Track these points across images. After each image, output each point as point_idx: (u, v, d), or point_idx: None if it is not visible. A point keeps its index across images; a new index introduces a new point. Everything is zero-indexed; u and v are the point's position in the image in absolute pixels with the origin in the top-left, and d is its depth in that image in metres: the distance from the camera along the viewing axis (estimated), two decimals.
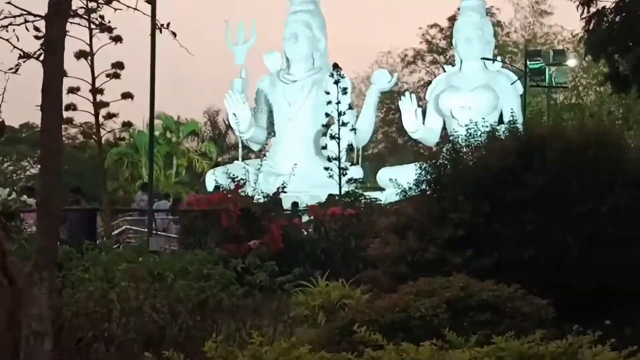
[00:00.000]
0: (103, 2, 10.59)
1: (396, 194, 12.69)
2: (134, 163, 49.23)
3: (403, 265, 10.85)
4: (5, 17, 6.47)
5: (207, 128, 54.76)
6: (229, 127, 51.48)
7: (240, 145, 36.52)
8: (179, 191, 48.36)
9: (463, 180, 10.27)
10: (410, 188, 11.16)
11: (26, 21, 6.56)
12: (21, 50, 6.81)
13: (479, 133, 11.10)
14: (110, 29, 14.47)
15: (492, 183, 10.14)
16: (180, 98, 69.23)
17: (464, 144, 10.90)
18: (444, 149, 11.69)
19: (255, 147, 37.57)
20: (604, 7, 18.80)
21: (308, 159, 33.74)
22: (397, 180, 12.55)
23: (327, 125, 20.22)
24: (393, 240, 11.64)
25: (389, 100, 52.32)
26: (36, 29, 7.04)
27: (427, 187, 10.78)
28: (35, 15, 6.43)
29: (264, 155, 37.31)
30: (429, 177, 10.69)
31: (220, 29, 35.82)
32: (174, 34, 7.38)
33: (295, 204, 25.69)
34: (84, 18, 12.50)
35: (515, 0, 54.25)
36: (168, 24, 7.57)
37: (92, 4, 13.20)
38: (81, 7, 12.72)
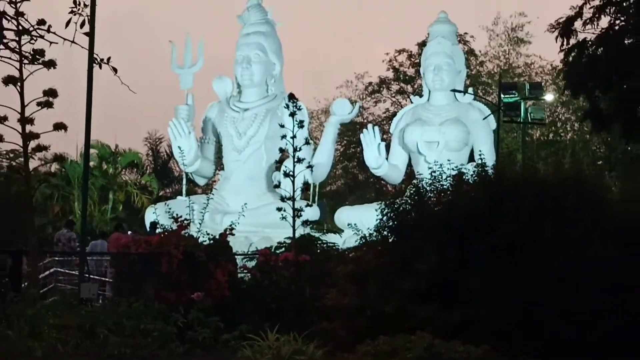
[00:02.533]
0: (37, 35, 10.61)
1: (355, 241, 12.74)
2: (65, 196, 48.87)
3: (362, 318, 10.90)
4: None
5: (148, 158, 54.52)
6: (171, 157, 51.34)
7: (184, 178, 36.32)
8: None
9: (428, 227, 10.34)
10: (370, 234, 11.20)
11: None
12: None
13: (444, 176, 11.19)
14: (42, 60, 14.42)
15: (459, 230, 10.22)
16: (119, 125, 69.02)
17: (428, 187, 10.98)
18: (407, 191, 11.74)
19: (201, 182, 37.38)
20: (584, 39, 19.17)
21: (259, 196, 33.66)
22: (357, 224, 12.58)
23: (280, 161, 20.25)
24: (351, 290, 11.71)
25: (350, 133, 52.48)
26: None
27: (389, 234, 10.84)
28: None
29: (211, 190, 37.15)
30: (390, 223, 10.75)
31: (165, 49, 35.61)
32: (115, 70, 7.43)
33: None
34: (15, 52, 12.51)
35: (490, 26, 54.69)
36: (109, 59, 7.62)
37: (25, 36, 13.19)
38: (12, 40, 12.72)
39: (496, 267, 9.87)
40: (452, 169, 11.48)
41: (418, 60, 49.21)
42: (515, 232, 9.92)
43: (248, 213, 26.14)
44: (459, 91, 34.98)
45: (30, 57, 13.13)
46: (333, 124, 35.48)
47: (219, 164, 36.69)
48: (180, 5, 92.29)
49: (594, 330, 9.47)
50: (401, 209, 10.83)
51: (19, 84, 15.64)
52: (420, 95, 36.40)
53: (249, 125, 35.07)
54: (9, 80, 15.56)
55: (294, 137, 16.73)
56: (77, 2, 12.37)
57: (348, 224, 13.49)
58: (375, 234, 11.14)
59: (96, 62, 8.31)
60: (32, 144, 16.02)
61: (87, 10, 12.92)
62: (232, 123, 35.29)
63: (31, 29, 12.65)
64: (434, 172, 11.16)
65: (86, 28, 13.07)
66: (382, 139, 34.62)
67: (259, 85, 35.51)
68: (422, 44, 49.53)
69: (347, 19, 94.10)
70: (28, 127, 16.02)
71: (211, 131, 36.05)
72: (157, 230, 18.69)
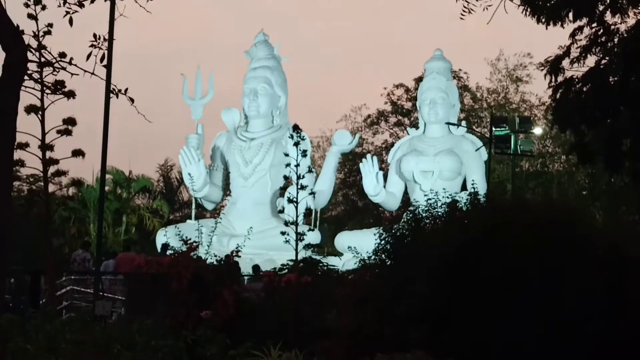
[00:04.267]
0: (60, 67, 10.71)
1: (355, 263, 12.74)
2: (81, 219, 48.90)
3: (360, 338, 10.88)
4: None
5: (159, 184, 54.60)
6: (181, 183, 51.40)
7: (193, 203, 36.41)
8: (130, 250, 48.06)
9: (423, 253, 10.36)
10: (369, 257, 11.22)
11: None
12: None
13: (439, 203, 11.22)
14: (63, 90, 14.52)
15: (453, 257, 10.24)
16: (132, 152, 69.21)
17: (424, 214, 11.01)
18: (403, 217, 11.78)
19: (210, 206, 37.44)
20: (571, 77, 19.24)
21: (264, 220, 33.78)
22: (357, 247, 12.59)
23: (284, 188, 20.27)
24: (350, 311, 11.69)
25: (351, 162, 52.57)
26: None
27: (386, 257, 10.86)
28: None
29: (219, 214, 37.19)
30: (388, 247, 10.77)
31: (178, 82, 35.83)
32: (132, 100, 7.47)
33: (256, 267, 25.66)
34: (38, 82, 12.62)
35: (493, 61, 54.80)
36: (126, 90, 7.66)
37: (47, 69, 13.30)
38: (35, 71, 12.83)
39: (485, 294, 9.88)
40: (447, 197, 11.50)
41: (415, 94, 49.44)
42: (504, 260, 9.93)
43: (253, 236, 26.12)
44: (453, 124, 35.11)
45: (52, 87, 13.22)
46: (334, 153, 35.62)
47: (226, 190, 36.74)
48: (192, 42, 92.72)
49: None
50: (398, 234, 10.86)
51: (40, 112, 15.75)
52: (417, 128, 36.51)
53: (255, 153, 35.21)
54: (31, 109, 15.67)
55: (297, 165, 16.76)
56: (97, 37, 12.50)
57: (348, 247, 13.51)
58: (373, 257, 11.16)
59: (114, 92, 8.40)
60: (52, 169, 16.12)
61: (107, 44, 13.05)
62: (239, 152, 35.44)
63: (53, 61, 12.76)
64: (430, 199, 11.20)
65: (105, 61, 13.18)
66: (380, 168, 34.71)
67: (265, 116, 35.67)
68: (419, 79, 49.75)
69: (347, 55, 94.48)
70: (48, 153, 16.13)
71: (219, 159, 36.19)
72: (168, 252, 18.70)
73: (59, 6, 12.48)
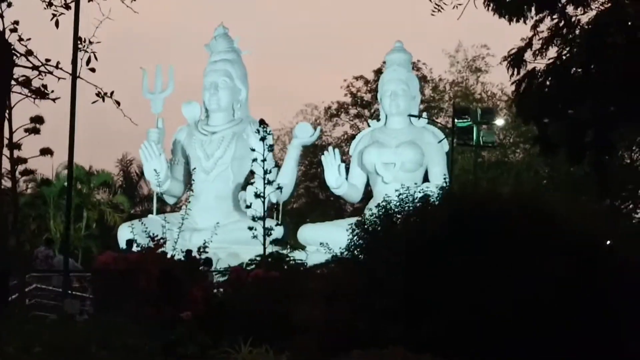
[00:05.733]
0: (46, 71, 10.68)
1: (324, 257, 12.78)
2: (41, 215, 48.53)
3: (332, 333, 10.92)
4: None
5: (119, 178, 54.33)
6: (141, 177, 51.16)
7: (155, 198, 36.26)
8: (89, 245, 47.75)
9: (396, 248, 10.43)
10: (342, 252, 11.26)
11: None
12: None
13: (410, 198, 11.29)
14: (49, 96, 14.45)
15: (427, 250, 10.32)
16: (92, 147, 68.71)
17: (396, 209, 11.07)
18: (373, 211, 11.81)
19: (171, 201, 37.33)
20: (534, 69, 19.39)
21: (227, 214, 33.73)
22: (321, 241, 12.63)
23: (251, 183, 20.26)
24: (321, 306, 11.72)
25: (312, 154, 52.61)
26: None
27: (359, 253, 10.90)
28: None
29: (179, 208, 37.06)
30: (361, 242, 10.82)
31: (137, 75, 35.60)
32: (118, 103, 7.46)
33: (209, 261, 25.59)
34: (24, 86, 12.59)
35: (452, 52, 55.19)
36: (112, 93, 7.66)
37: (34, 72, 13.26)
38: (22, 76, 12.79)
39: (458, 285, 9.98)
40: (419, 191, 11.59)
41: (374, 86, 49.54)
42: (476, 251, 10.04)
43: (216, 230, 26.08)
44: (415, 115, 35.29)
45: (39, 92, 13.15)
46: (296, 146, 35.62)
47: (187, 184, 36.63)
48: (154, 33, 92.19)
49: (551, 345, 9.62)
50: (370, 229, 10.92)
51: (7, 111, 15.65)
52: (378, 120, 36.61)
53: (217, 147, 35.16)
54: None
55: (264, 160, 16.80)
56: (82, 40, 12.50)
57: (320, 243, 13.57)
58: (346, 252, 11.21)
59: (99, 95, 8.43)
60: (20, 167, 16.03)
61: (92, 47, 13.07)
62: (200, 145, 35.36)
63: (39, 65, 12.74)
64: (401, 194, 11.28)
65: (93, 64, 13.20)
66: (342, 160, 34.76)
67: (226, 109, 35.61)
68: (378, 71, 49.87)
69: (305, 49, 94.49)
70: (16, 152, 16.06)
71: (180, 153, 36.06)
72: (134, 248, 18.62)
73: (45, 8, 12.51)
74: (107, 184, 52.04)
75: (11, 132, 15.86)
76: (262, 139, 16.72)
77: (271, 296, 15.55)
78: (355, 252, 10.91)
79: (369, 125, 37.72)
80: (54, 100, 13.96)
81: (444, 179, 13.41)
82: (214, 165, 35.10)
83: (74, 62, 12.94)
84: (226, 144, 35.19)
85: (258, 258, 18.11)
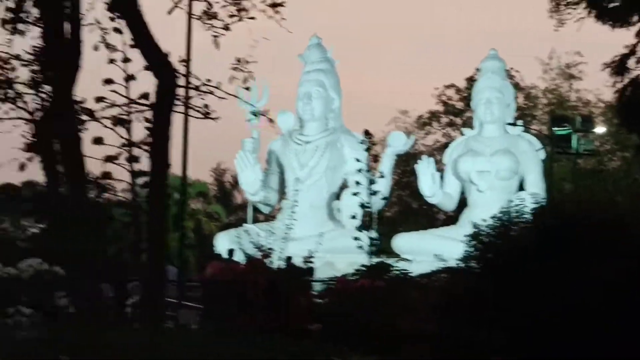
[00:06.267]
0: (207, 91, 11.01)
1: (431, 270, 12.78)
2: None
3: (446, 344, 10.92)
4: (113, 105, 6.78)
5: (213, 187, 54.98)
6: (235, 186, 51.69)
7: (250, 207, 36.58)
8: (186, 255, 48.30)
9: (520, 266, 10.28)
10: (457, 264, 11.22)
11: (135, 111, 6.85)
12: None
13: (526, 209, 11.22)
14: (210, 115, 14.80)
15: (554, 271, 10.14)
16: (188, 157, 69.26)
17: (514, 221, 10.99)
18: (489, 223, 11.67)
19: (266, 210, 37.57)
20: (638, 76, 19.19)
21: (321, 223, 33.82)
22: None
23: (355, 193, 20.33)
24: (432, 317, 11.72)
25: (404, 163, 52.55)
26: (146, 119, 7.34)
27: (478, 266, 10.85)
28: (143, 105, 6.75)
29: (273, 217, 37.32)
30: (484, 254, 10.72)
31: (231, 86, 35.92)
32: (271, 121, 7.53)
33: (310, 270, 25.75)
34: (187, 106, 12.99)
35: (545, 60, 54.79)
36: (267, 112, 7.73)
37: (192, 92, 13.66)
38: (183, 96, 13.15)
39: (585, 309, 9.85)
40: (535, 203, 11.52)
41: (466, 94, 49.29)
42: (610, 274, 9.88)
43: (310, 239, 26.23)
44: (510, 123, 35.06)
45: (201, 112, 13.49)
46: (389, 155, 35.54)
47: (282, 193, 36.88)
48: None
49: None
50: (488, 241, 10.85)
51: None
52: (471, 128, 36.45)
53: (310, 156, 35.30)
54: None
55: (369, 170, 16.93)
56: (239, 60, 12.94)
57: (434, 255, 13.53)
58: (461, 263, 11.18)
59: (255, 115, 8.73)
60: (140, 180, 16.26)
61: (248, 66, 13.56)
62: (294, 155, 35.57)
63: (200, 85, 13.09)
64: (517, 205, 11.21)
65: (248, 83, 13.66)
66: (437, 169, 34.67)
67: (319, 119, 35.73)
68: (470, 79, 49.63)
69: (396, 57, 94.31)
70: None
71: (275, 163, 36.31)
72: (235, 258, 18.87)
73: (207, 30, 12.97)
74: (202, 194, 52.60)
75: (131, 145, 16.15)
76: (367, 149, 16.85)
77: (377, 306, 15.61)
78: (472, 263, 10.89)
79: (462, 134, 37.55)
80: (214, 119, 14.31)
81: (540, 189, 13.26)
82: (308, 174, 35.26)
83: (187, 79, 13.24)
84: (320, 153, 35.32)
85: (363, 268, 18.21)
